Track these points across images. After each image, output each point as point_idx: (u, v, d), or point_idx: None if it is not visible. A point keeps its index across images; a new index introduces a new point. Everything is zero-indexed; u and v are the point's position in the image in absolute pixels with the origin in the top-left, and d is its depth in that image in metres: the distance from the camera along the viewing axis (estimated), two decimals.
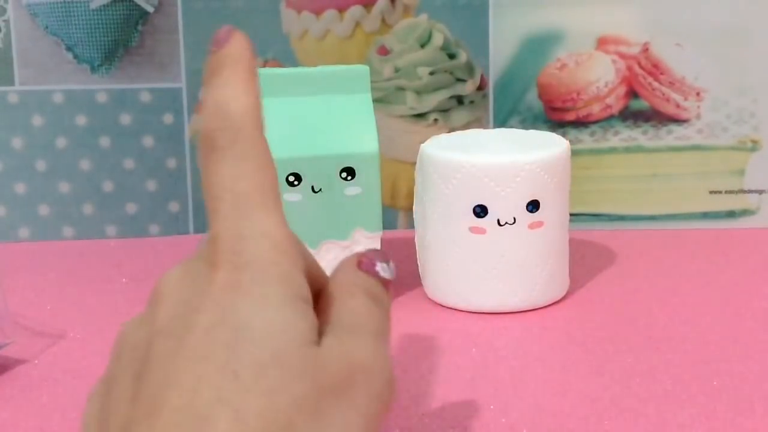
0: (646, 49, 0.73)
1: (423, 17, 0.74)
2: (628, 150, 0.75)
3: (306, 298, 0.32)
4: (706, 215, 0.75)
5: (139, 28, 0.74)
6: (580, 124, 0.75)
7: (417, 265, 0.63)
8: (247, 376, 0.29)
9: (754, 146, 0.74)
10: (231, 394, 0.29)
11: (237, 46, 0.35)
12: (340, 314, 0.34)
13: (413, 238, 0.63)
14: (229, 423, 0.29)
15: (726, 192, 0.75)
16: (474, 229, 0.59)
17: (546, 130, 0.67)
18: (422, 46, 0.74)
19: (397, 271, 0.36)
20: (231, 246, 0.32)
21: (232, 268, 0.32)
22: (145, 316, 0.33)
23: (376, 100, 0.72)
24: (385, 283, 0.35)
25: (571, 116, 0.75)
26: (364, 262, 0.35)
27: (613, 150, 0.75)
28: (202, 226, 0.76)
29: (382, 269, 0.35)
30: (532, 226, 0.59)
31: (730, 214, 0.75)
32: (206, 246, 0.33)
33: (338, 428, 0.30)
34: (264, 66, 0.74)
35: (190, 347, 0.30)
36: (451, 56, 0.74)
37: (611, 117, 0.74)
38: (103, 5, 0.73)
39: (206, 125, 0.34)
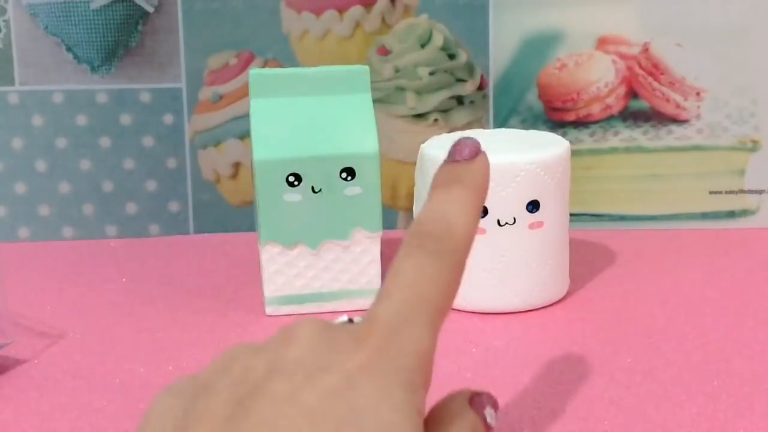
0: (646, 49, 0.73)
1: (423, 17, 0.74)
2: (628, 150, 0.75)
3: (422, 414, 0.33)
4: (706, 215, 0.75)
5: (139, 28, 0.74)
6: (580, 124, 0.75)
7: None
8: None
9: (754, 146, 0.74)
10: None
11: (480, 170, 0.37)
12: None
13: None
14: None
15: (726, 192, 0.75)
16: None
17: (546, 130, 0.67)
18: (422, 46, 0.74)
19: (496, 423, 0.36)
20: (385, 333, 0.32)
21: (376, 352, 0.32)
22: (267, 348, 0.33)
23: (376, 100, 0.72)
24: (486, 429, 0.36)
25: (571, 116, 0.75)
26: (476, 401, 0.36)
27: (613, 150, 0.75)
28: (202, 226, 0.76)
29: (489, 415, 0.36)
30: (532, 226, 0.59)
31: (730, 215, 0.75)
32: (362, 321, 0.33)
33: None
34: (264, 66, 0.74)
35: (304, 402, 0.30)
36: (451, 56, 0.74)
37: (611, 117, 0.74)
38: (103, 5, 0.73)
39: (425, 226, 0.35)
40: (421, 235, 0.35)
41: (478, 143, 0.38)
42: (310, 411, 0.30)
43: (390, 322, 0.33)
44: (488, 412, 0.36)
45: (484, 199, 0.37)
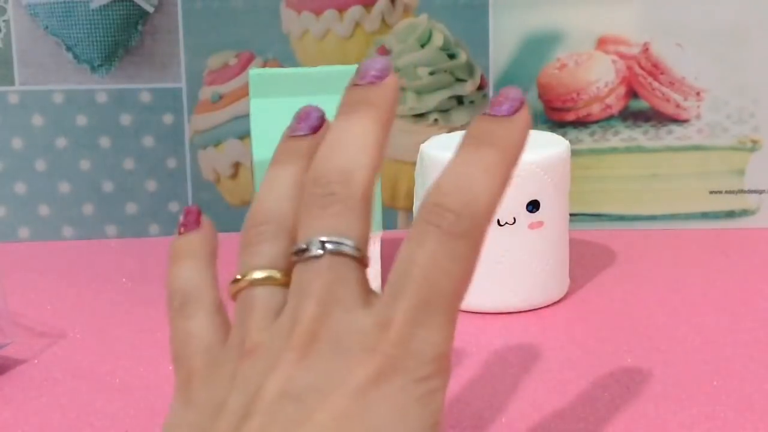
0: (646, 49, 0.73)
1: (423, 17, 0.74)
2: (628, 150, 0.75)
3: (439, 421, 0.31)
4: (706, 215, 0.75)
5: (139, 28, 0.74)
6: (580, 124, 0.75)
7: None
8: None
9: (754, 146, 0.74)
10: None
11: (519, 131, 0.33)
12: None
13: None
14: None
15: (726, 192, 0.75)
16: None
17: (546, 130, 0.67)
18: (422, 46, 0.74)
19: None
20: (399, 340, 0.30)
21: (387, 365, 0.30)
22: (281, 357, 0.31)
23: None
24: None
25: (571, 116, 0.75)
26: None
27: (613, 150, 0.75)
28: None
29: None
30: (532, 226, 0.59)
31: (730, 214, 0.75)
32: (375, 325, 0.31)
33: None
34: (264, 66, 0.74)
35: (316, 427, 0.29)
36: (451, 56, 0.74)
37: (611, 117, 0.74)
38: (103, 5, 0.73)
39: (445, 198, 0.31)
40: (440, 210, 0.31)
41: (522, 96, 0.33)
42: None
43: (403, 328, 0.30)
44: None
45: (516, 166, 0.33)
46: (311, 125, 0.37)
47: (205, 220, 0.38)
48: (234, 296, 0.34)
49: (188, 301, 0.35)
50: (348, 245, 0.32)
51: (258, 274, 0.34)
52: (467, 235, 0.31)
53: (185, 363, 0.34)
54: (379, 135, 0.34)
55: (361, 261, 0.33)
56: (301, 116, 0.37)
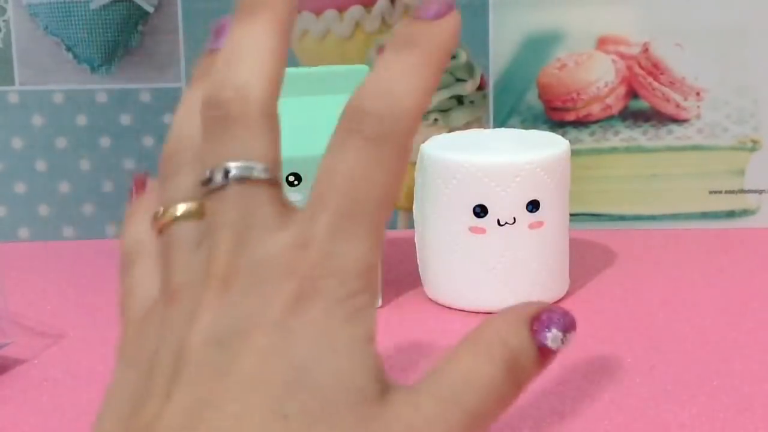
0: (646, 49, 0.73)
1: None
2: (628, 150, 0.75)
3: (373, 338, 0.29)
4: (706, 215, 0.75)
5: (139, 28, 0.74)
6: (580, 124, 0.75)
7: (417, 265, 0.63)
8: (296, 424, 0.27)
9: (754, 146, 0.74)
10: None
11: (443, 32, 0.30)
12: (451, 371, 0.29)
13: (413, 238, 0.63)
14: None
15: (726, 192, 0.75)
16: (474, 229, 0.59)
17: (546, 130, 0.67)
18: None
19: (563, 347, 0.29)
20: (319, 259, 0.28)
21: (308, 288, 0.28)
22: (202, 302, 0.29)
23: None
24: (542, 356, 0.29)
25: (571, 116, 0.75)
26: (542, 320, 0.29)
27: (613, 150, 0.75)
28: None
29: (552, 339, 0.29)
30: (532, 226, 0.59)
31: (730, 214, 0.75)
32: (293, 244, 0.29)
33: None
34: None
35: (243, 369, 0.27)
36: (451, 56, 0.74)
37: (611, 117, 0.74)
38: (103, 5, 0.73)
39: (364, 102, 0.30)
40: (359, 114, 0.30)
41: (452, 1, 0.31)
42: (252, 381, 0.27)
43: (323, 245, 0.28)
44: (552, 334, 0.29)
45: (441, 68, 0.30)
46: None
47: (150, 183, 0.36)
48: (158, 233, 0.33)
49: (132, 257, 0.34)
50: (254, 168, 0.30)
51: (176, 209, 0.32)
52: (391, 139, 0.29)
53: (125, 315, 0.33)
54: (276, 42, 0.32)
55: (271, 182, 0.31)
56: (218, 29, 0.35)
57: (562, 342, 0.29)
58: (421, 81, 0.30)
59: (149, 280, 0.33)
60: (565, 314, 0.29)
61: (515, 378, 0.29)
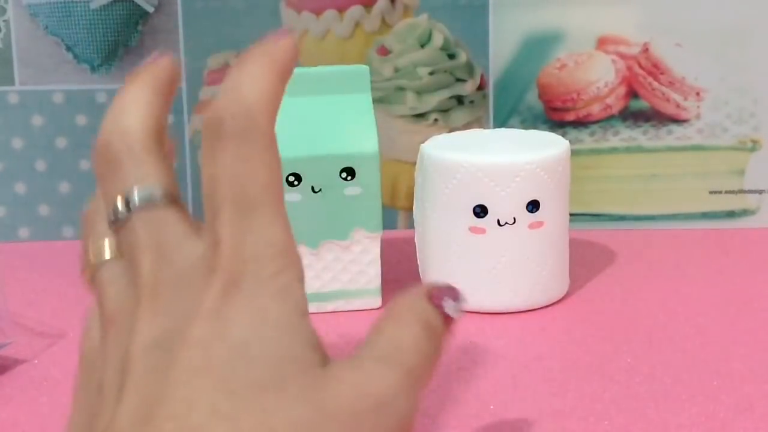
0: (646, 49, 0.73)
1: (423, 17, 0.74)
2: (628, 150, 0.75)
3: (306, 312, 0.31)
4: (706, 215, 0.75)
5: (139, 28, 0.74)
6: (580, 124, 0.75)
7: (417, 265, 0.63)
8: (244, 395, 0.28)
9: (754, 146, 0.74)
10: (228, 410, 0.28)
11: (282, 44, 0.33)
12: (380, 338, 0.31)
13: (413, 238, 0.63)
14: None
15: (726, 192, 0.75)
16: (474, 229, 0.59)
17: (546, 130, 0.67)
18: (422, 46, 0.74)
19: (462, 315, 0.33)
20: (232, 250, 0.30)
21: (230, 279, 0.30)
22: (122, 322, 0.31)
23: (376, 100, 0.72)
24: (447, 321, 0.32)
25: (571, 116, 0.75)
26: (434, 295, 0.33)
27: (613, 150, 0.75)
28: None
29: (449, 306, 0.32)
30: (532, 226, 0.59)
31: (730, 214, 0.75)
32: (207, 248, 0.31)
33: None
34: None
35: (184, 361, 0.29)
36: (451, 56, 0.74)
37: (611, 117, 0.74)
38: (103, 5, 0.73)
39: (216, 111, 0.32)
40: (216, 121, 0.31)
41: (290, 32, 0.34)
42: (195, 366, 0.29)
43: (233, 240, 0.30)
44: (448, 303, 0.33)
45: (287, 69, 0.33)
46: None
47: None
48: (89, 283, 0.35)
49: (90, 313, 0.35)
50: (152, 191, 0.32)
51: (98, 258, 0.34)
52: (249, 132, 0.31)
53: (79, 367, 0.35)
54: (152, 94, 0.35)
55: (173, 202, 0.33)
56: None
57: (460, 312, 0.33)
58: (265, 79, 0.32)
59: (92, 327, 0.35)
60: (450, 288, 0.33)
61: (433, 336, 0.32)
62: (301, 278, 0.31)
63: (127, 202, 0.32)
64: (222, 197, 0.31)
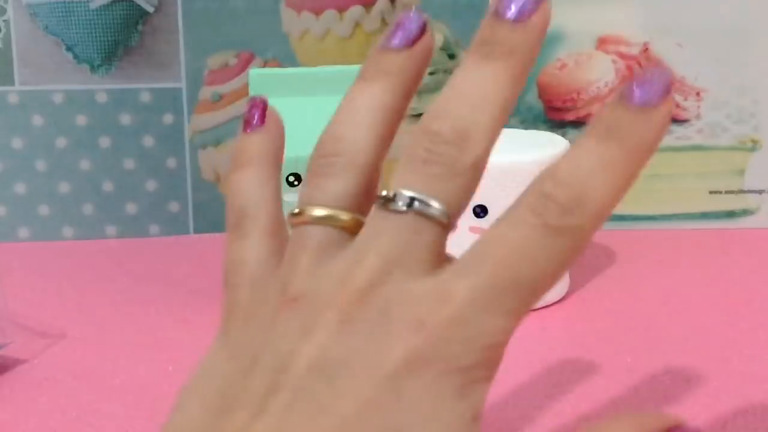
0: (646, 49, 0.73)
1: None
2: None
3: (479, 418, 0.27)
4: (706, 215, 0.75)
5: (139, 28, 0.74)
6: (580, 124, 0.75)
7: None
8: None
9: (754, 146, 0.74)
10: None
11: (656, 128, 0.27)
12: None
13: None
14: None
15: (726, 192, 0.75)
16: (474, 229, 0.58)
17: (546, 130, 0.67)
18: None
19: None
20: (454, 320, 0.27)
21: (431, 345, 0.27)
22: (317, 324, 0.28)
23: None
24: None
25: (571, 116, 0.75)
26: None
27: None
28: (201, 226, 0.76)
29: None
30: None
31: (730, 214, 0.75)
32: (432, 289, 0.27)
33: None
34: (264, 66, 0.74)
35: (338, 416, 0.26)
36: (451, 56, 0.74)
37: None
38: (103, 5, 0.73)
39: (554, 190, 0.27)
40: (546, 201, 0.27)
41: (669, 79, 0.27)
42: (343, 426, 0.26)
43: (462, 307, 0.27)
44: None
45: (642, 167, 0.28)
46: (408, 36, 0.33)
47: (271, 115, 0.34)
48: (293, 227, 0.31)
49: (243, 220, 0.32)
50: (437, 209, 0.29)
51: (318, 212, 0.30)
52: (570, 233, 0.27)
53: (232, 293, 0.31)
54: (511, 93, 0.30)
55: (446, 227, 0.29)
56: (398, 24, 0.32)
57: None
58: (619, 180, 0.27)
59: (259, 260, 0.32)
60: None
61: None
62: (490, 381, 0.28)
63: (413, 200, 0.29)
64: (490, 260, 0.27)
